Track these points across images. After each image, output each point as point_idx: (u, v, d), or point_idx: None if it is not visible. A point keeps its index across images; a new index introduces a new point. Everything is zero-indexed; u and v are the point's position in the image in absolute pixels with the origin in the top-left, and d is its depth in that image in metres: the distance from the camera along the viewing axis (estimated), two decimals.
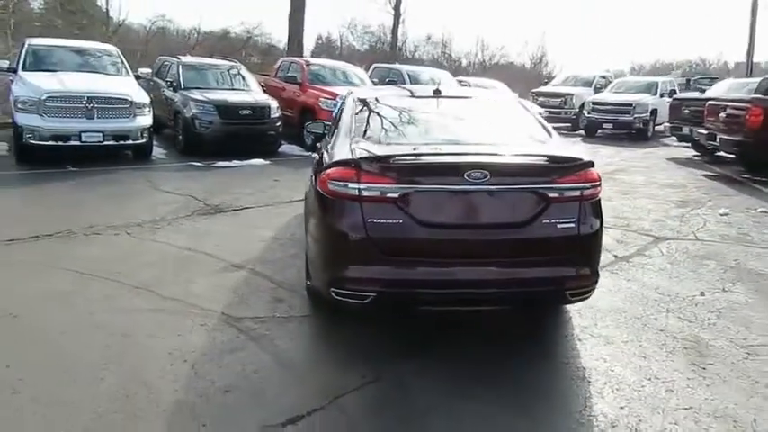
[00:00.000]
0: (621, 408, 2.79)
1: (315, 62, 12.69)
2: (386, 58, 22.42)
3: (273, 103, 10.19)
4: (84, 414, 2.55)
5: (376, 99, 4.04)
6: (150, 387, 2.78)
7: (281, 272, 4.47)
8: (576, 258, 3.14)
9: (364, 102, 3.94)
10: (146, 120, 8.63)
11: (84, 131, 8.03)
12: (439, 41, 36.14)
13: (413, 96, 4.27)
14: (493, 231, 3.06)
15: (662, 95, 15.65)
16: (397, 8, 26.91)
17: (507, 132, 3.72)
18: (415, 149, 3.19)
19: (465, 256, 3.03)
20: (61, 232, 5.27)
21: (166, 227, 5.63)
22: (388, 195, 2.97)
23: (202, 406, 2.66)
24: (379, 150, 3.15)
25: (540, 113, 4.07)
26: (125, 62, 9.72)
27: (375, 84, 12.62)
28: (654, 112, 15.46)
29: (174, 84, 10.32)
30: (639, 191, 8.38)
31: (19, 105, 7.83)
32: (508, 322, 3.74)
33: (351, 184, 2.98)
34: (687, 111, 12.07)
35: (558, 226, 3.06)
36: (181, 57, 11.18)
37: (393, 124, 3.65)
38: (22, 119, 7.80)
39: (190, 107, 9.53)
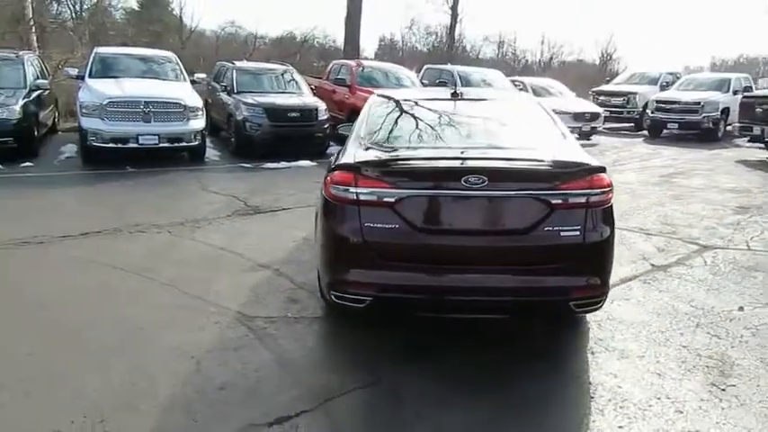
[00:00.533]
0: (620, 427, 2.65)
1: (364, 64, 12.80)
2: (446, 58, 22.23)
3: (321, 106, 10.37)
4: (83, 400, 2.71)
5: (393, 103, 4.03)
6: (152, 379, 2.91)
7: (304, 273, 4.55)
8: (581, 268, 3.01)
9: (380, 105, 3.96)
10: (198, 123, 9.02)
11: (142, 134, 8.49)
12: (502, 40, 35.55)
13: (431, 99, 4.23)
14: (492, 238, 2.99)
15: (735, 93, 14.63)
16: (454, 8, 26.71)
17: (518, 136, 3.62)
18: (415, 154, 3.17)
19: (463, 262, 2.98)
20: (109, 229, 5.60)
21: (206, 226, 5.86)
22: (385, 200, 2.97)
23: (197, 401, 2.76)
24: (382, 154, 3.16)
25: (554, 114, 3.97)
26: (182, 68, 10.20)
27: (425, 85, 12.57)
28: (725, 111, 14.49)
29: (228, 88, 10.71)
30: (696, 195, 7.90)
31: (84, 110, 8.39)
32: (523, 332, 3.63)
33: (351, 189, 3.01)
34: (760, 109, 11.24)
35: (562, 234, 2.95)
36: (236, 62, 11.59)
37: (403, 128, 3.64)
38: (87, 122, 8.35)
39: (241, 110, 9.86)
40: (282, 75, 11.53)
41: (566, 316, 3.39)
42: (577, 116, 14.23)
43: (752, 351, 3.38)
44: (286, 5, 46.13)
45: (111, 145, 8.41)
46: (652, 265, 4.96)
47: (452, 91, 4.14)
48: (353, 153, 3.26)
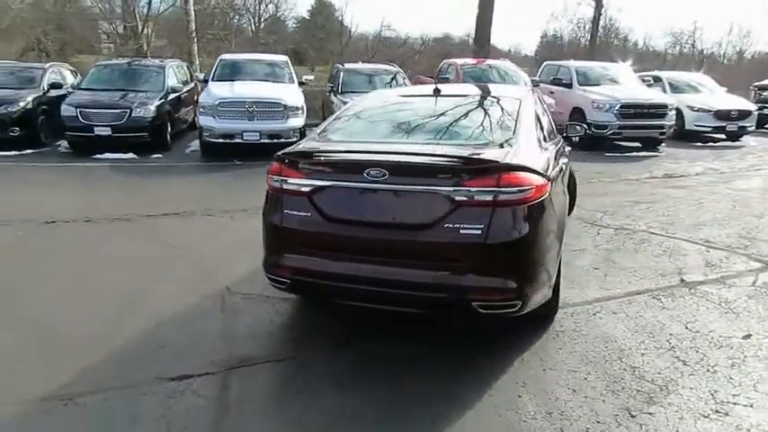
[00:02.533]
0: None
1: (471, 63, 12.69)
2: (589, 53, 20.87)
3: None
4: (58, 341, 3.33)
5: (372, 99, 4.17)
6: (115, 337, 3.44)
7: None
8: (483, 269, 2.90)
9: (359, 102, 4.12)
10: (297, 121, 9.81)
11: (246, 131, 9.51)
12: (680, 32, 32.12)
13: (412, 96, 4.27)
14: (395, 232, 3.02)
15: None
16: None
17: (468, 132, 3.52)
18: (336, 147, 3.30)
19: (367, 253, 3.05)
20: (187, 212, 6.49)
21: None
22: (302, 190, 3.16)
23: (136, 352, 3.25)
24: (310, 147, 3.35)
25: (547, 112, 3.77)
26: (291, 70, 11.14)
27: (534, 83, 12.09)
28: None
29: (335, 88, 11.44)
30: None
31: (201, 109, 9.67)
32: (471, 329, 3.55)
33: (276, 178, 3.26)
34: None
35: (462, 231, 2.88)
36: (346, 64, 12.29)
37: (357, 123, 3.78)
38: (203, 120, 9.60)
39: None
40: (389, 75, 11.95)
41: (473, 316, 3.19)
42: (720, 114, 12.58)
43: (709, 383, 2.94)
44: (445, 7, 46.68)
45: (220, 140, 9.57)
46: (682, 279, 4.41)
47: (435, 88, 4.13)
48: (296, 146, 3.50)
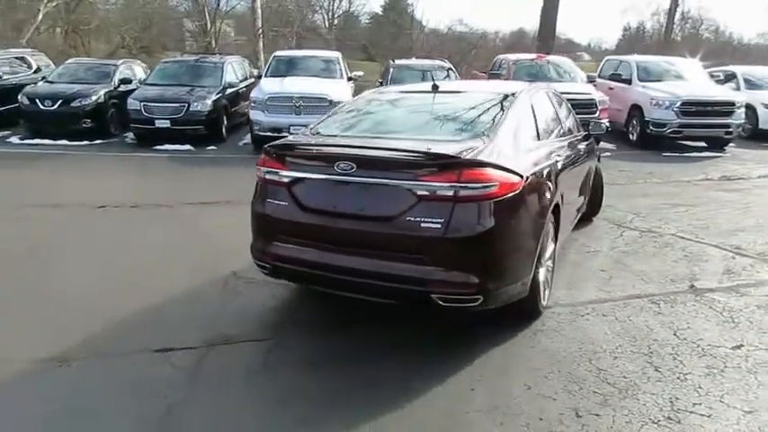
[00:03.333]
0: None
1: (527, 59, 12.42)
2: (661, 46, 19.78)
3: None
4: (69, 310, 3.71)
5: (373, 95, 4.28)
6: (119, 310, 3.78)
7: None
8: (442, 262, 2.96)
9: (360, 98, 4.26)
10: None
11: (292, 125, 9.82)
12: None
13: (411, 92, 4.34)
14: (362, 223, 3.13)
15: None
16: None
17: (452, 128, 3.56)
18: (318, 140, 3.45)
19: (338, 243, 3.18)
20: (225, 201, 6.89)
21: None
22: (282, 180, 3.34)
23: (137, 325, 3.56)
24: (292, 140, 3.52)
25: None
26: (342, 66, 11.41)
27: (589, 79, 11.68)
28: None
29: (384, 83, 11.57)
30: None
31: (252, 104, 10.13)
32: (444, 320, 3.59)
33: (262, 168, 3.46)
34: None
35: (422, 225, 2.95)
36: (396, 60, 12.41)
37: (350, 118, 3.91)
38: (253, 114, 10.07)
39: None
40: (438, 70, 11.95)
41: (435, 309, 3.20)
42: None
43: (674, 390, 2.84)
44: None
45: (269, 133, 9.92)
46: (692, 286, 4.21)
47: (433, 84, 4.19)
48: (283, 139, 3.70)
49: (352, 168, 3.08)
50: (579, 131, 5.30)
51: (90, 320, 3.59)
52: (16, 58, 12.70)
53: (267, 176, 3.42)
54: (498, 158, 3.09)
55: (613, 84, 12.24)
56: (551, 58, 13.09)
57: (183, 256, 4.90)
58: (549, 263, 3.83)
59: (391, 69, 11.87)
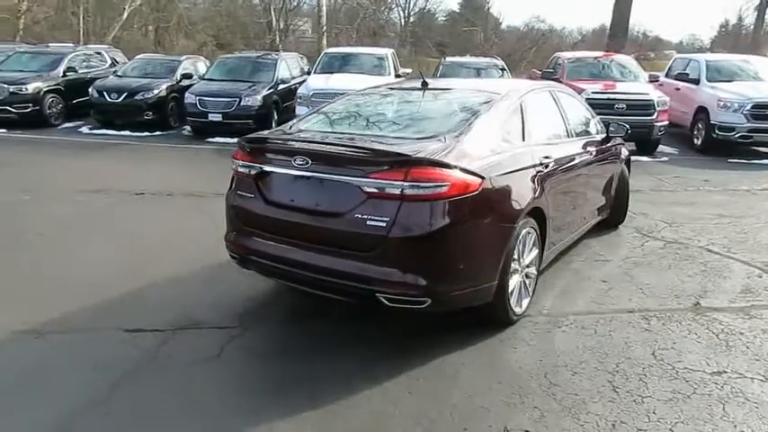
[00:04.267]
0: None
1: (586, 56, 11.86)
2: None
3: None
4: (61, 285, 3.97)
5: (363, 91, 4.27)
6: (107, 289, 4.01)
7: None
8: (387, 261, 2.91)
9: (352, 94, 4.26)
10: None
11: None
12: None
13: (400, 89, 4.28)
14: (316, 218, 3.13)
15: None
16: None
17: (419, 125, 3.48)
18: (288, 136, 3.47)
19: (294, 237, 3.20)
20: None
21: None
22: (250, 173, 3.40)
23: (114, 308, 3.76)
24: (262, 134, 3.57)
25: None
26: (391, 63, 11.42)
27: (652, 79, 10.99)
28: None
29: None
30: None
31: (298, 99, 10.38)
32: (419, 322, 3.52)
33: (234, 161, 3.55)
34: None
35: (369, 222, 2.91)
36: (449, 57, 12.26)
37: (331, 114, 3.91)
38: (298, 110, 10.28)
39: None
40: (496, 69, 11.70)
41: (382, 307, 3.10)
42: None
43: (622, 413, 2.63)
44: None
45: None
46: (696, 303, 3.89)
47: (423, 81, 4.11)
48: (257, 133, 3.79)
49: (307, 163, 3.09)
50: (597, 133, 5.02)
51: (78, 296, 3.84)
52: (96, 53, 13.71)
53: (239, 169, 3.50)
54: (456, 158, 2.99)
55: (680, 84, 11.44)
56: (616, 56, 12.42)
57: (189, 243, 5.09)
58: (532, 270, 3.66)
59: (441, 66, 11.74)
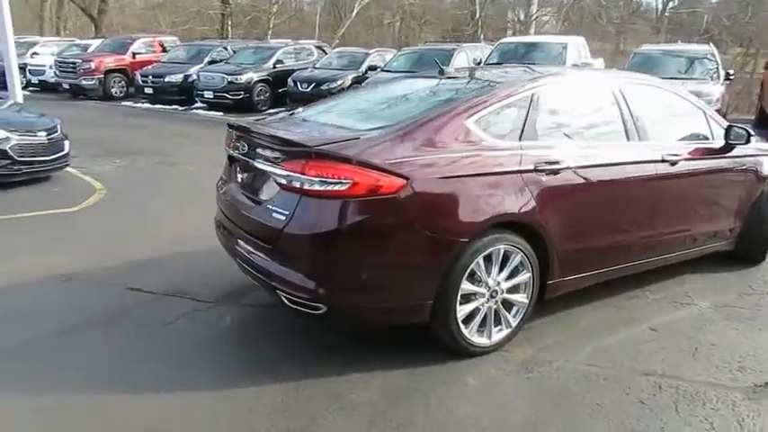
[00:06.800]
0: None
1: None
2: None
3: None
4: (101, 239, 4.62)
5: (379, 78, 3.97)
6: (138, 251, 4.51)
7: None
8: (283, 258, 2.69)
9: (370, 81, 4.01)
10: None
11: None
12: None
13: (418, 77, 3.82)
14: (246, 205, 3.05)
15: None
16: None
17: (388, 115, 3.08)
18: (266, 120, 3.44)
19: (235, 223, 3.15)
20: None
21: None
22: (228, 156, 3.46)
23: (131, 267, 4.21)
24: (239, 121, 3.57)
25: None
26: (570, 53, 10.33)
27: None
28: None
29: None
30: None
31: None
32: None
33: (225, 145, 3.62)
34: None
35: (273, 215, 2.72)
36: (646, 45, 10.55)
37: (331, 102, 3.73)
38: None
39: None
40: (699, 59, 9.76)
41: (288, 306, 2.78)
42: None
43: None
44: None
45: None
46: (766, 383, 2.73)
47: (439, 69, 3.62)
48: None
49: (246, 149, 3.03)
50: (707, 139, 3.85)
51: (127, 255, 4.41)
52: (305, 48, 15.36)
53: (227, 153, 3.59)
54: (373, 154, 2.60)
55: None
56: None
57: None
58: (518, 297, 3.02)
59: (631, 57, 10.19)
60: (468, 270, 2.79)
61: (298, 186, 2.64)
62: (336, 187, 2.55)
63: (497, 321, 3.00)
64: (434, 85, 3.49)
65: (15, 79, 8.27)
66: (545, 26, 24.75)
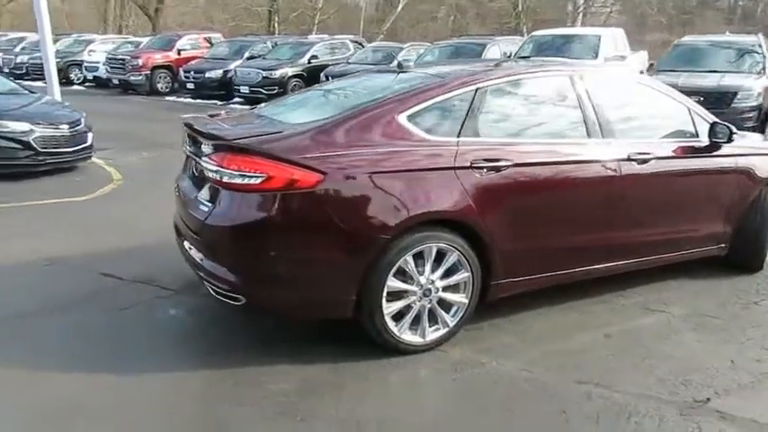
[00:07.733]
0: None
1: None
2: None
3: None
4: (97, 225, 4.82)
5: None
6: (128, 240, 4.69)
7: None
8: (206, 249, 2.74)
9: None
10: None
11: None
12: None
13: (376, 72, 3.76)
14: (186, 197, 3.09)
15: None
16: None
17: (319, 112, 3.04)
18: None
19: (180, 215, 3.21)
20: None
21: None
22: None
23: (114, 253, 4.38)
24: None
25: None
26: (604, 45, 9.91)
27: None
28: None
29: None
30: None
31: None
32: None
33: None
34: None
35: (200, 206, 2.78)
36: (687, 36, 9.97)
37: (291, 98, 3.73)
38: None
39: None
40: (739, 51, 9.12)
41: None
42: None
43: None
44: None
45: None
46: (707, 399, 2.54)
47: (398, 63, 3.55)
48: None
49: (192, 145, 3.08)
50: (690, 136, 3.61)
51: (113, 243, 4.60)
52: (341, 43, 15.46)
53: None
54: (292, 148, 2.59)
55: None
56: None
57: None
58: (456, 297, 2.94)
59: (671, 50, 9.65)
60: (396, 267, 2.73)
61: (218, 179, 2.68)
62: (253, 181, 2.56)
63: (434, 320, 2.94)
64: (388, 80, 3.42)
65: (53, 77, 8.74)
66: (601, 17, 23.82)
